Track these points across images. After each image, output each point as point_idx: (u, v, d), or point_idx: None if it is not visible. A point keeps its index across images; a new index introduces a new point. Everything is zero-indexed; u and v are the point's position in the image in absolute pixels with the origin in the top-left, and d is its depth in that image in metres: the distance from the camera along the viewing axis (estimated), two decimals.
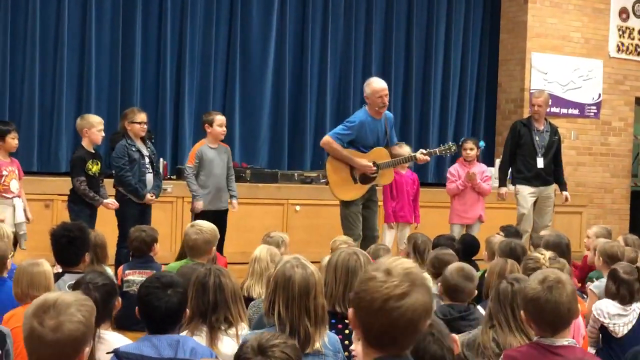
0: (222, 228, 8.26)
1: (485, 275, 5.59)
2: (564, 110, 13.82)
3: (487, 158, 13.87)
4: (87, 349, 3.01)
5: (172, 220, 10.37)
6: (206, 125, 8.92)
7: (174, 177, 11.26)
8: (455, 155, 10.69)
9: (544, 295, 3.69)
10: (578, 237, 12.38)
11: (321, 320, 3.84)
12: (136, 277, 6.93)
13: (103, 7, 11.48)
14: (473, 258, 7.58)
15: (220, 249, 7.75)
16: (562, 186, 10.39)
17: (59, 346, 2.90)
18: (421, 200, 10.13)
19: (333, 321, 4.20)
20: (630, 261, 6.27)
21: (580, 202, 13.25)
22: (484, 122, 14.28)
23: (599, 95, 14.17)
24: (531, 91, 12.96)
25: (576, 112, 13.98)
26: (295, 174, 11.82)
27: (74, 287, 4.26)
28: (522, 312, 3.88)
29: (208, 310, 4.22)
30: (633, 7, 14.44)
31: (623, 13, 14.35)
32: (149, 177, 8.56)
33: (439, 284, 5.24)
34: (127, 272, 6.97)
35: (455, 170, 10.03)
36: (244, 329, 4.28)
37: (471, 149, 9.91)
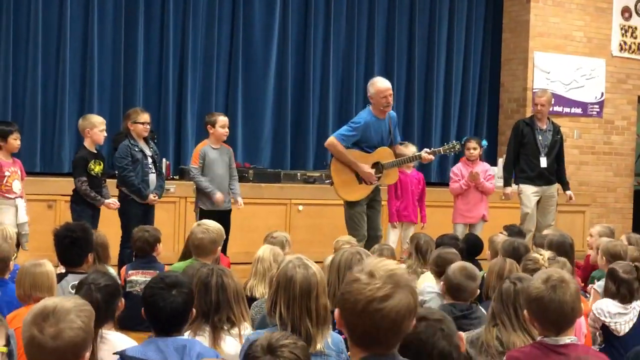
0: (226, 228, 8.23)
1: (485, 275, 5.59)
2: (567, 110, 13.81)
3: (489, 157, 13.86)
4: (88, 354, 3.01)
5: (175, 220, 10.38)
6: (209, 126, 8.94)
7: (177, 177, 11.27)
8: (458, 155, 10.68)
9: (547, 295, 3.69)
10: (581, 236, 12.36)
11: (323, 320, 3.82)
12: (139, 277, 6.94)
13: (105, 8, 11.48)
14: (477, 258, 7.58)
15: (223, 249, 7.75)
16: (565, 185, 10.39)
17: (59, 353, 2.90)
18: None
19: (335, 321, 4.18)
20: (634, 260, 6.25)
21: (583, 201, 13.23)
22: (487, 121, 14.27)
23: (602, 94, 14.16)
24: (534, 90, 12.96)
25: (579, 111, 13.97)
26: (298, 174, 11.82)
27: (77, 287, 4.25)
28: (525, 311, 3.88)
29: (210, 310, 4.22)
30: (635, 6, 14.42)
31: (625, 12, 14.33)
32: (152, 177, 8.57)
33: (442, 282, 5.24)
34: (130, 272, 6.99)
35: (458, 170, 10.02)
36: (246, 329, 4.28)
37: (474, 149, 9.91)
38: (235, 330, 4.25)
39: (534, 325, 3.85)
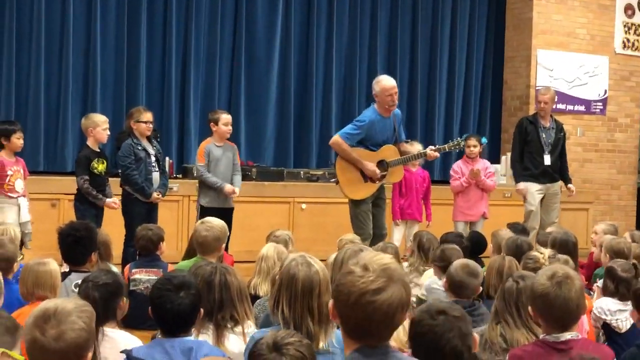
0: (228, 226, 8.26)
1: (485, 274, 5.58)
2: (570, 107, 13.80)
3: (493, 155, 13.87)
4: (90, 354, 3.01)
5: (179, 218, 10.39)
6: (212, 123, 8.96)
7: (180, 175, 11.27)
8: (460, 152, 10.68)
9: (553, 291, 3.69)
10: (584, 234, 12.36)
11: (326, 318, 3.82)
12: (143, 275, 6.95)
13: (108, 6, 11.48)
14: (480, 256, 7.58)
15: (226, 247, 7.76)
16: (567, 180, 10.37)
17: (62, 355, 2.90)
18: None
19: None
20: (637, 257, 6.26)
21: (587, 198, 13.23)
22: (490, 119, 14.26)
23: (605, 91, 14.15)
24: (537, 88, 12.96)
25: (582, 108, 13.96)
26: (301, 172, 11.82)
27: (80, 285, 4.26)
28: (530, 307, 3.88)
29: (214, 308, 4.21)
30: (638, 3, 14.40)
31: (628, 9, 14.31)
32: (155, 176, 8.58)
33: (444, 280, 5.25)
34: (133, 270, 7.00)
35: (458, 168, 10.01)
36: (250, 327, 4.28)
37: (474, 146, 9.88)
38: (238, 329, 4.24)
39: (539, 322, 3.85)
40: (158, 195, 8.53)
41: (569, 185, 10.32)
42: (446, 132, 13.82)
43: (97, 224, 7.86)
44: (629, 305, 5.31)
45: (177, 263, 6.93)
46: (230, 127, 9.00)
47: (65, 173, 10.72)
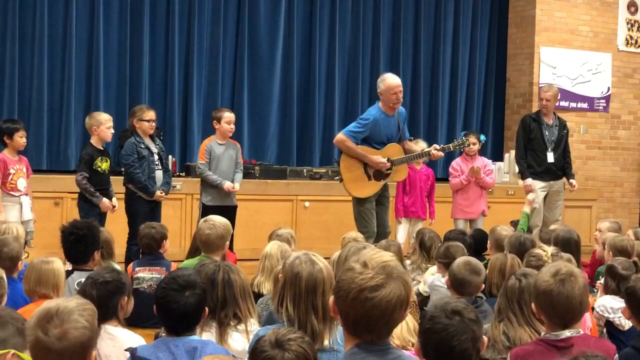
0: (232, 224, 8.26)
1: (487, 272, 5.58)
2: (573, 104, 13.79)
3: (496, 153, 13.88)
4: (94, 352, 3.01)
5: (182, 217, 10.40)
6: (215, 121, 8.99)
7: (183, 174, 11.27)
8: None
9: (556, 288, 3.69)
10: (588, 231, 12.37)
11: (330, 316, 3.82)
12: (146, 274, 6.95)
13: (111, 5, 11.48)
14: (483, 253, 7.58)
15: (230, 245, 7.76)
16: (570, 175, 10.34)
17: (66, 354, 2.90)
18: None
19: None
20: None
21: (590, 196, 13.23)
22: (493, 116, 14.25)
23: (608, 88, 14.14)
24: (540, 85, 12.94)
25: (585, 106, 13.95)
26: (304, 170, 11.81)
27: (82, 283, 4.26)
28: (533, 304, 3.88)
29: (217, 306, 4.22)
30: None
31: (632, 6, 14.30)
32: (158, 174, 8.58)
33: (446, 277, 5.25)
34: (137, 269, 7.01)
35: (457, 165, 9.99)
36: (253, 325, 4.28)
37: (473, 144, 9.85)
38: (242, 327, 4.25)
39: (540, 320, 3.85)
40: (161, 193, 8.54)
41: (571, 180, 10.31)
42: (449, 129, 13.82)
43: (101, 223, 7.88)
44: None
45: (180, 261, 6.94)
46: (232, 126, 9.01)
47: (69, 172, 10.72)
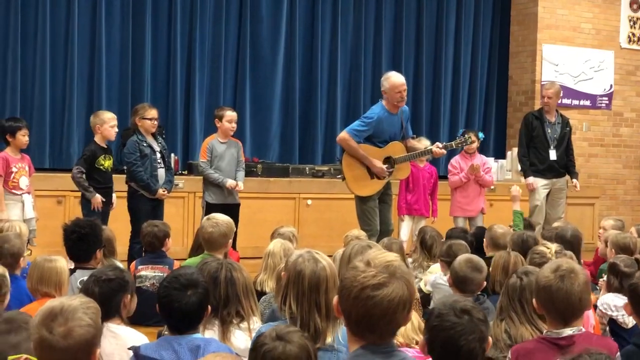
0: (235, 222, 8.25)
1: (490, 269, 5.58)
2: (576, 102, 13.78)
3: (498, 150, 13.88)
4: (98, 350, 3.01)
5: (184, 215, 10.40)
6: (216, 119, 8.99)
7: (185, 172, 11.29)
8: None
9: (555, 284, 3.70)
10: (591, 229, 12.36)
11: (334, 314, 3.82)
12: (148, 272, 6.96)
13: (113, 4, 11.48)
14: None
15: (232, 243, 7.77)
16: (573, 175, 10.35)
17: (71, 352, 2.89)
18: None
19: None
20: None
21: (593, 193, 13.23)
22: (495, 114, 14.24)
23: (611, 86, 14.12)
24: (542, 83, 12.94)
25: (588, 103, 13.94)
26: (307, 168, 11.82)
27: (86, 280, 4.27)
28: (534, 300, 3.88)
29: (219, 304, 4.22)
30: None
31: (634, 4, 14.28)
32: (161, 172, 8.59)
33: (448, 275, 5.25)
34: (139, 267, 7.01)
35: (456, 163, 9.99)
36: (256, 323, 4.28)
37: (472, 142, 9.85)
38: (244, 325, 4.25)
39: (541, 316, 3.85)
40: (164, 191, 8.54)
41: (574, 181, 10.31)
42: (451, 127, 13.81)
43: (104, 221, 7.89)
44: None
45: (183, 259, 6.94)
46: (234, 125, 9.01)
47: (71, 170, 10.70)
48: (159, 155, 8.60)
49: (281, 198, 11.09)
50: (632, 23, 14.28)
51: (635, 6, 14.28)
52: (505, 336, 4.16)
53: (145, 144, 8.49)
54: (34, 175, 8.59)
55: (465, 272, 5.00)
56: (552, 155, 10.12)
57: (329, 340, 3.75)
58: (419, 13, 13.62)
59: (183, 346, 3.67)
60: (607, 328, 5.35)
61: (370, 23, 13.30)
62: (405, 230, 9.80)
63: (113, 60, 11.53)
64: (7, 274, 4.70)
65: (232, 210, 8.62)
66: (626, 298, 5.29)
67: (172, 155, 10.40)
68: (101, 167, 8.31)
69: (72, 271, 5.63)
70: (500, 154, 13.61)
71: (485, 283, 5.17)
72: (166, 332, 3.92)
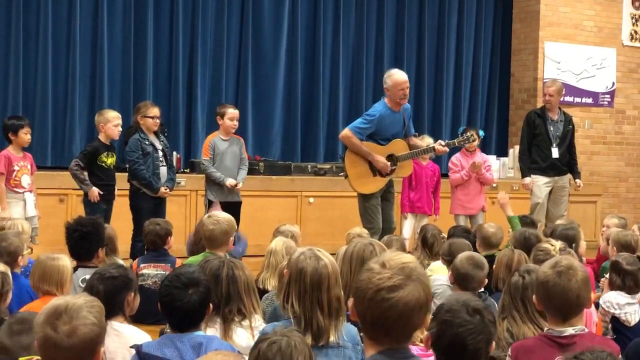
0: (237, 220, 8.26)
1: (494, 266, 5.59)
2: (578, 100, 13.77)
3: (500, 148, 13.87)
4: (102, 349, 3.01)
5: (186, 213, 10.40)
6: (218, 117, 8.99)
7: (188, 170, 11.29)
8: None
9: (552, 280, 3.70)
10: (593, 227, 12.35)
11: (336, 312, 3.82)
12: (151, 270, 6.96)
13: (115, 2, 11.48)
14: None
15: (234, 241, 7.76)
16: (576, 174, 10.35)
17: (75, 350, 2.90)
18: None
19: (348, 312, 4.17)
20: None
21: (595, 191, 13.21)
22: (497, 112, 14.23)
23: (613, 83, 14.11)
24: (544, 81, 12.92)
25: (590, 101, 13.93)
26: (309, 166, 11.82)
27: (89, 278, 4.27)
28: (534, 296, 3.88)
29: (221, 302, 4.22)
30: None
31: (636, 1, 14.26)
32: (163, 171, 8.59)
33: (449, 273, 5.25)
34: (141, 265, 7.01)
35: (457, 161, 9.98)
36: (258, 321, 4.28)
37: (474, 139, 9.85)
38: (246, 323, 4.25)
39: (541, 312, 3.85)
40: (166, 189, 8.54)
41: (577, 180, 10.30)
42: (453, 125, 13.78)
43: (106, 220, 7.90)
44: (636, 298, 5.31)
45: (185, 257, 6.93)
46: (235, 123, 9.00)
47: None
48: (161, 153, 8.61)
49: (283, 196, 11.09)
50: (634, 20, 14.26)
51: (637, 4, 14.26)
52: (508, 335, 4.16)
53: (147, 142, 8.49)
54: (36, 174, 8.60)
55: (467, 270, 5.00)
56: (555, 153, 10.10)
57: (332, 338, 3.75)
58: (421, 11, 13.61)
59: (185, 343, 3.67)
60: (610, 326, 5.35)
61: (372, 20, 13.29)
62: (408, 228, 9.80)
63: (115, 59, 11.53)
64: (9, 272, 4.71)
65: (234, 208, 8.63)
66: (629, 296, 5.31)
67: (174, 153, 10.39)
68: (103, 164, 8.32)
69: (74, 270, 5.63)
70: (502, 152, 13.60)
71: (486, 280, 5.17)
72: (168, 331, 3.92)
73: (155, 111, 8.60)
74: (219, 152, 8.90)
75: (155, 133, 8.65)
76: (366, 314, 2.66)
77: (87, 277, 4.74)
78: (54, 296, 4.52)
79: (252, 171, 10.18)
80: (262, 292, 5.61)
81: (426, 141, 9.44)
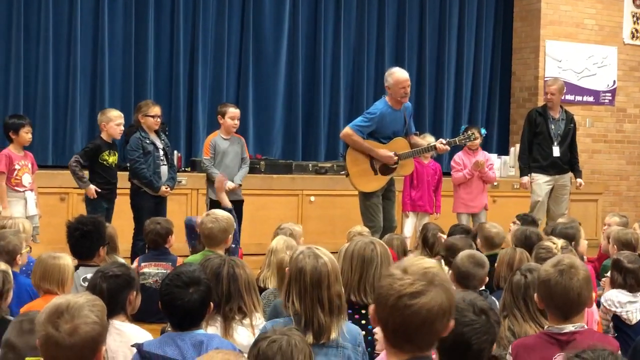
0: (239, 219, 8.26)
1: (495, 265, 5.59)
2: (579, 98, 13.76)
3: (501, 146, 13.86)
4: (104, 347, 3.01)
5: (187, 212, 10.38)
6: (219, 116, 8.99)
7: (189, 169, 11.29)
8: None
9: (554, 278, 3.70)
10: (594, 225, 12.35)
11: (337, 309, 3.82)
12: (152, 269, 6.96)
13: (116, 1, 11.48)
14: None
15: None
16: (577, 173, 10.35)
17: (77, 349, 2.89)
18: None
19: (350, 311, 4.17)
20: None
21: (596, 189, 13.21)
22: (498, 110, 14.23)
23: (614, 82, 14.11)
24: (545, 79, 12.92)
25: (591, 99, 13.92)
26: (310, 165, 11.82)
27: (92, 276, 4.26)
28: (535, 294, 3.88)
29: (222, 300, 4.22)
30: None
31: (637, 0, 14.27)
32: (164, 170, 8.59)
33: (450, 271, 5.24)
34: (142, 264, 7.02)
35: (460, 159, 9.98)
36: (258, 320, 4.29)
37: (476, 138, 9.85)
38: (247, 321, 4.25)
39: (544, 310, 3.85)
40: (166, 188, 8.54)
41: (578, 180, 10.30)
42: (454, 123, 13.79)
43: (108, 218, 7.90)
44: (638, 297, 5.30)
45: (186, 256, 6.93)
46: (236, 122, 9.00)
47: None
48: (161, 152, 8.61)
49: (284, 195, 11.09)
50: (635, 19, 14.25)
51: (638, 2, 14.25)
52: (509, 333, 4.16)
53: (148, 141, 8.49)
54: (37, 173, 8.61)
55: (468, 268, 5.00)
56: (556, 151, 10.10)
57: (333, 335, 3.75)
58: (422, 9, 13.61)
59: (186, 342, 3.68)
60: (611, 324, 5.35)
61: (373, 19, 13.29)
62: (409, 226, 9.81)
63: (116, 57, 11.53)
64: (10, 270, 4.71)
65: (235, 206, 8.62)
66: (631, 294, 5.31)
67: (175, 152, 10.39)
68: (105, 162, 8.33)
69: (75, 268, 5.63)
70: (503, 150, 13.59)
71: (487, 279, 5.17)
72: (169, 329, 3.92)
73: (156, 110, 8.60)
74: (220, 151, 8.90)
75: (156, 132, 8.65)
76: (388, 321, 2.58)
77: (89, 276, 4.75)
78: (55, 295, 4.52)
79: (253, 170, 10.18)
80: (263, 290, 5.61)
81: (428, 140, 9.44)
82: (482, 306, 2.99)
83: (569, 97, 13.23)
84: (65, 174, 9.95)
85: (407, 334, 2.56)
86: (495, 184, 10.63)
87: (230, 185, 8.79)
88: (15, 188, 8.10)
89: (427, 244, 7.27)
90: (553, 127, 10.12)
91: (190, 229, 6.98)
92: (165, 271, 6.66)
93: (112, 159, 8.38)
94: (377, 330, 3.98)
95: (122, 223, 8.21)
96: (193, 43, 12.00)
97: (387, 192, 8.90)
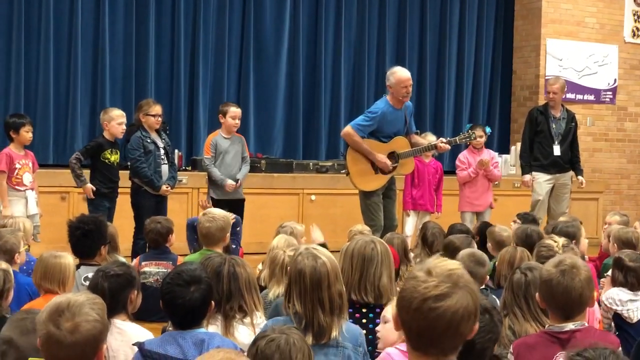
0: (240, 217, 8.25)
1: (496, 264, 5.58)
2: (580, 97, 13.76)
3: (502, 145, 13.86)
4: (105, 346, 3.01)
5: (188, 211, 10.39)
6: (220, 115, 8.98)
7: (189, 168, 11.29)
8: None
9: (556, 278, 3.70)
10: (595, 224, 12.35)
11: (339, 308, 3.82)
12: (152, 268, 6.96)
13: (116, 0, 11.48)
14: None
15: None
16: (578, 172, 10.34)
17: (78, 347, 2.89)
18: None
19: (350, 310, 4.17)
20: None
21: (597, 188, 13.21)
22: (499, 109, 14.23)
23: (615, 80, 14.10)
24: (546, 78, 12.91)
25: (592, 98, 13.92)
26: (311, 164, 11.82)
27: (93, 275, 4.26)
28: (537, 293, 3.88)
29: (222, 299, 4.22)
30: None
31: None
32: (164, 169, 8.59)
33: None
34: (143, 263, 7.01)
35: (464, 158, 9.99)
36: (259, 318, 4.29)
37: (480, 136, 9.85)
38: (247, 320, 4.25)
39: (544, 310, 3.85)
40: (167, 187, 8.54)
41: (579, 178, 10.30)
42: (455, 122, 13.80)
43: (109, 217, 7.91)
44: (639, 295, 5.30)
45: (186, 255, 6.94)
46: (237, 121, 8.99)
47: None
48: (162, 151, 8.61)
49: (285, 194, 11.09)
50: (636, 17, 14.25)
51: (639, 0, 14.25)
52: (510, 332, 4.16)
53: (149, 140, 8.49)
54: (38, 172, 8.61)
55: (468, 266, 4.98)
56: (557, 150, 10.10)
57: (334, 334, 3.75)
58: (423, 8, 13.61)
59: (187, 340, 3.68)
60: (612, 323, 5.35)
61: (374, 17, 13.29)
62: (410, 225, 9.81)
63: (116, 57, 11.53)
64: (10, 269, 4.71)
65: (237, 205, 8.64)
66: (632, 293, 5.31)
67: (176, 151, 10.40)
68: (107, 160, 8.34)
69: (76, 267, 5.64)
70: (504, 149, 13.59)
71: (488, 277, 5.17)
72: (170, 328, 3.92)
73: (157, 109, 8.60)
74: (221, 150, 8.90)
75: (157, 131, 8.65)
76: (412, 325, 2.50)
77: (90, 275, 4.75)
78: (56, 294, 4.52)
79: (254, 169, 10.19)
80: (264, 289, 5.61)
81: (429, 139, 9.44)
82: (486, 305, 2.98)
83: (569, 95, 13.23)
84: (66, 173, 9.95)
85: (432, 338, 2.49)
86: (496, 182, 10.63)
87: (231, 184, 8.79)
88: (16, 187, 8.11)
89: (427, 242, 7.27)
90: (554, 126, 10.12)
91: (193, 229, 6.98)
92: (165, 270, 6.66)
93: (114, 157, 8.39)
94: (380, 328, 3.99)
95: (122, 222, 8.22)
96: (194, 42, 12.00)
97: (388, 190, 8.90)
